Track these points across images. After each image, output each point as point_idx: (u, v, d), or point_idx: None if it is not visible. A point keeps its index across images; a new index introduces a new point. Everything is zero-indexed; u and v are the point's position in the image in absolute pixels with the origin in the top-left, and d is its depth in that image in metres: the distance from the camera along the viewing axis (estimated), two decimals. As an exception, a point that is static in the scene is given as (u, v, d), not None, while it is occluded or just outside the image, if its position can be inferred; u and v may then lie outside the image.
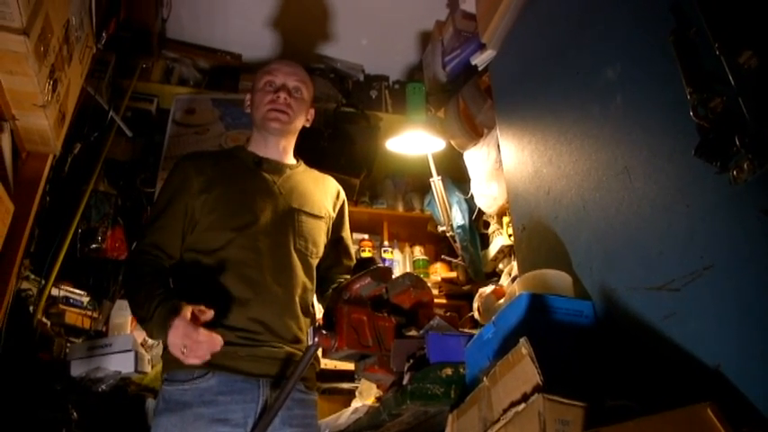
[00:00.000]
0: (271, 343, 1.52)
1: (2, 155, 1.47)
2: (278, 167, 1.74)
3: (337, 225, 1.82)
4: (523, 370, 0.95)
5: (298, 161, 1.82)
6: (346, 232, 1.85)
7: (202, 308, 1.37)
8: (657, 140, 1.06)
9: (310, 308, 1.68)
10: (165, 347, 1.49)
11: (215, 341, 1.34)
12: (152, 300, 1.41)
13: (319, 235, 1.72)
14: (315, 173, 1.86)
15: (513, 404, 0.95)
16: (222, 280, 1.53)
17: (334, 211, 1.82)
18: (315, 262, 1.71)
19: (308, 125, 1.83)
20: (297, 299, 1.60)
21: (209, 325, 1.39)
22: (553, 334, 1.09)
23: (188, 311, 1.35)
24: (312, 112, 1.84)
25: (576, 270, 1.27)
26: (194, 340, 1.32)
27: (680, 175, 0.99)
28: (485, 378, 1.06)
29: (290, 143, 1.79)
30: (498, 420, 0.98)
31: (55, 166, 1.86)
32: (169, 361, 1.48)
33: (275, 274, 1.57)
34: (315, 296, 1.76)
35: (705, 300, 0.92)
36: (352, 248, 1.87)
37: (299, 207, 1.69)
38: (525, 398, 0.92)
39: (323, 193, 1.80)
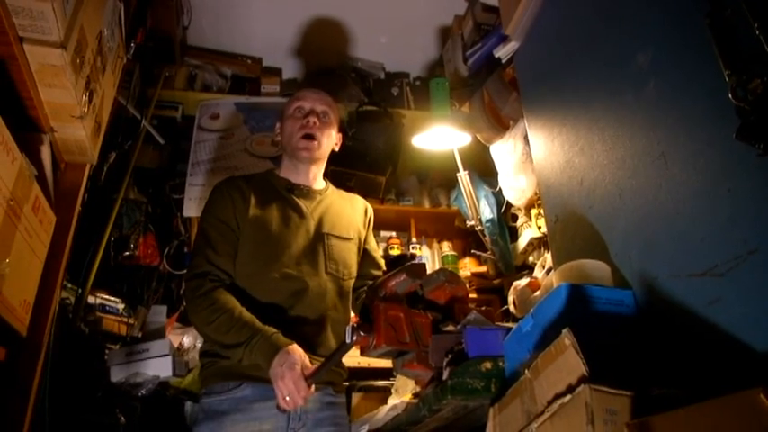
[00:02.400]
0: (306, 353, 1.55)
1: (42, 166, 1.51)
2: (309, 193, 1.79)
3: (366, 240, 1.87)
4: (567, 361, 0.94)
5: (326, 184, 1.88)
6: (371, 245, 1.90)
7: (308, 364, 1.44)
8: (695, 125, 1.04)
9: (341, 326, 1.69)
10: (204, 366, 1.61)
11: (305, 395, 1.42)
12: (245, 325, 1.47)
13: (350, 256, 1.77)
14: (342, 193, 1.92)
15: (558, 396, 0.94)
16: (256, 303, 1.58)
17: (364, 228, 1.87)
18: (349, 283, 1.76)
19: (336, 149, 1.88)
20: (328, 320, 1.65)
21: None
22: (594, 324, 1.08)
23: (299, 365, 1.42)
24: (340, 136, 1.89)
25: (613, 259, 1.26)
26: (300, 395, 1.40)
27: (720, 159, 0.98)
28: (526, 371, 1.06)
29: (320, 169, 1.85)
30: (543, 412, 0.97)
31: (91, 175, 1.89)
32: (207, 377, 1.58)
33: (307, 297, 1.62)
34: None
35: (751, 284, 0.90)
36: (380, 258, 1.90)
37: (329, 231, 1.74)
38: (570, 389, 0.91)
39: (352, 214, 1.86)
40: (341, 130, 1.91)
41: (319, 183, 1.85)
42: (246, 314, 1.50)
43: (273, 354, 1.42)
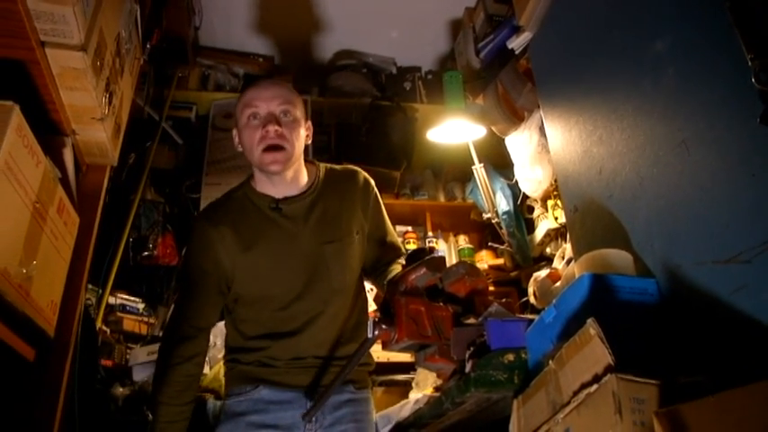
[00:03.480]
0: (322, 361, 1.57)
1: (65, 169, 1.53)
2: (297, 205, 1.60)
3: (376, 227, 1.72)
4: (593, 351, 0.94)
5: (313, 172, 1.67)
6: (391, 236, 1.76)
7: None
8: (716, 111, 1.03)
9: (360, 328, 1.66)
10: (226, 370, 1.62)
11: None
12: (157, 409, 1.50)
13: (353, 257, 1.64)
14: (336, 173, 1.70)
15: (584, 386, 0.94)
16: (268, 337, 1.57)
17: (365, 212, 1.69)
18: (354, 283, 1.67)
19: (308, 141, 1.64)
20: (342, 330, 1.61)
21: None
22: (618, 313, 1.08)
23: None
24: (309, 125, 1.64)
25: (635, 248, 1.25)
26: None
27: (743, 145, 0.97)
28: (550, 361, 1.06)
29: (298, 170, 1.62)
30: (569, 403, 0.97)
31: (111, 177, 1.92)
32: (228, 380, 1.61)
33: (321, 319, 1.57)
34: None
35: (778, 270, 0.90)
36: (399, 243, 1.81)
37: (329, 239, 1.59)
38: (597, 379, 0.91)
39: (348, 205, 1.66)
40: (308, 117, 1.66)
41: (303, 179, 1.63)
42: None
43: None
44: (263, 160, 1.52)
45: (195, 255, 1.58)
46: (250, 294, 1.58)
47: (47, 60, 1.32)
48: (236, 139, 1.61)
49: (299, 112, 1.58)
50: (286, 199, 1.59)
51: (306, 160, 1.67)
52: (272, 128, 1.50)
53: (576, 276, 1.17)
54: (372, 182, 1.75)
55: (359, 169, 1.75)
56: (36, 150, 1.19)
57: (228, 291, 1.57)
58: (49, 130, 1.51)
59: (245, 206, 1.60)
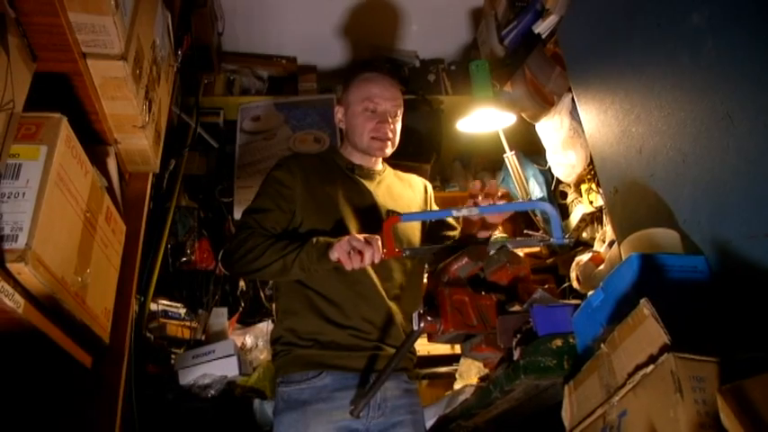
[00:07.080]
0: (380, 341, 1.59)
1: (110, 177, 1.56)
2: (371, 173, 1.81)
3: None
4: (647, 331, 0.93)
5: (384, 165, 1.89)
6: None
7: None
8: (761, 80, 1.01)
9: (410, 305, 1.69)
10: (278, 353, 1.60)
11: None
12: (292, 243, 1.51)
13: (414, 234, 1.77)
14: (400, 174, 1.93)
15: (639, 367, 0.93)
16: (328, 281, 1.59)
17: (426, 206, 1.90)
18: (414, 262, 1.75)
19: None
20: (400, 298, 1.65)
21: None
22: (670, 292, 1.06)
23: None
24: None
25: (682, 226, 1.23)
26: (362, 241, 1.42)
27: (791, 113, 0.95)
28: (602, 345, 1.05)
29: None
30: (624, 385, 0.96)
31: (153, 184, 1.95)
32: (283, 365, 1.58)
33: (377, 275, 1.62)
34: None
35: (836, 239, 0.88)
36: (452, 220, 1.90)
37: (391, 210, 1.74)
38: (653, 359, 0.90)
39: (413, 193, 1.88)
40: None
41: (379, 164, 1.86)
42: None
43: (329, 244, 1.46)
44: (372, 145, 1.75)
45: (274, 178, 1.71)
46: (316, 229, 1.61)
47: (89, 71, 1.35)
48: (339, 115, 1.84)
49: (402, 113, 1.82)
50: (362, 166, 1.80)
51: None
52: (387, 126, 1.75)
53: (623, 258, 1.16)
54: (430, 185, 1.98)
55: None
56: (84, 160, 1.22)
57: (296, 222, 1.65)
58: (92, 140, 1.53)
59: (326, 161, 1.82)
